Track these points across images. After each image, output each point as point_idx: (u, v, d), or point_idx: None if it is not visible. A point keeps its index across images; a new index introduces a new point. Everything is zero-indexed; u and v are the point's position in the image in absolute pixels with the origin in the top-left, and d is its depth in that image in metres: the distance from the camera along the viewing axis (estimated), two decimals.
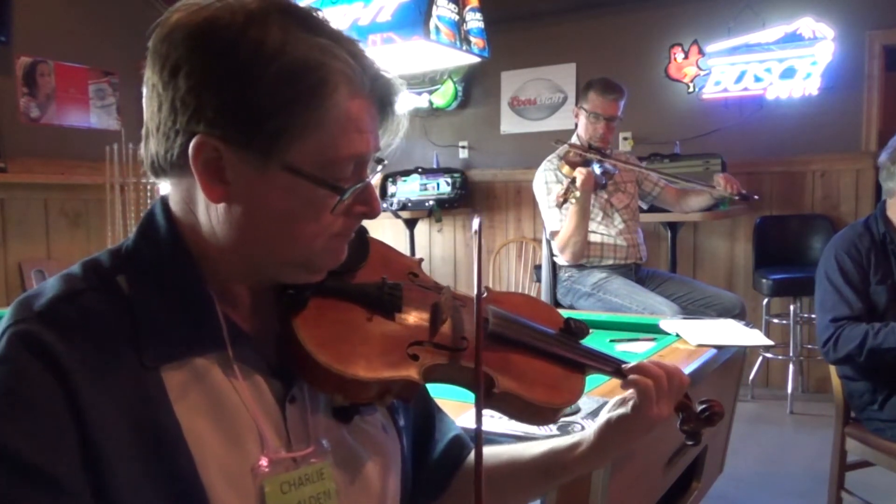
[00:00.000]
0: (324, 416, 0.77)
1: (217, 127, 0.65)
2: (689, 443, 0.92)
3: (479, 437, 0.69)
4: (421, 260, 0.91)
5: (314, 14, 0.69)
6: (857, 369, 2.16)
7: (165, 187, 0.75)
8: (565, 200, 2.81)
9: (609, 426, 0.87)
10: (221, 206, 0.69)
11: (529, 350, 0.85)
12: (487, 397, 0.77)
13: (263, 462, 0.70)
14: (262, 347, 0.74)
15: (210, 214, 0.70)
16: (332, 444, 0.76)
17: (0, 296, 3.92)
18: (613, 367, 0.90)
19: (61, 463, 0.60)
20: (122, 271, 0.70)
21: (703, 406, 0.90)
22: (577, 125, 3.16)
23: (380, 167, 0.76)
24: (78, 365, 0.62)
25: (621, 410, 0.87)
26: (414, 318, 0.79)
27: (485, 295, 0.92)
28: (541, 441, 0.93)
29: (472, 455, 0.95)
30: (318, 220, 0.70)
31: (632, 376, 0.86)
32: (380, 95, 0.72)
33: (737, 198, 2.93)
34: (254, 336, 0.74)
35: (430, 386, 0.90)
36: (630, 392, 0.87)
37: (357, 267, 0.80)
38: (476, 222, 0.81)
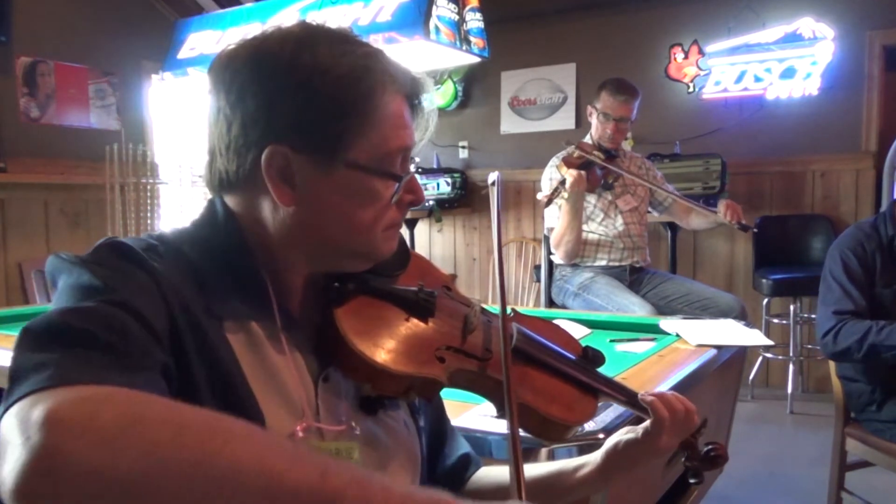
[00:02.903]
0: (353, 404, 0.82)
1: (286, 137, 0.74)
2: (692, 481, 0.96)
3: (515, 442, 0.73)
4: (455, 276, 0.95)
5: (348, 31, 0.79)
6: (856, 368, 2.15)
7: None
8: (550, 201, 2.81)
9: (616, 450, 0.91)
10: (291, 208, 0.76)
11: (549, 369, 0.91)
12: (503, 407, 0.81)
13: (301, 427, 0.75)
14: (304, 332, 0.80)
15: (277, 218, 0.77)
16: (360, 430, 0.81)
17: (0, 296, 3.92)
18: (627, 396, 0.94)
19: (164, 330, 0.65)
20: (185, 243, 0.77)
21: (709, 448, 0.95)
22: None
23: (413, 165, 0.81)
24: (164, 281, 0.68)
25: (630, 436, 0.91)
26: (444, 324, 0.85)
27: (511, 314, 0.98)
28: (547, 462, 0.97)
29: (476, 474, 1.00)
30: (375, 209, 0.78)
31: (651, 398, 0.91)
32: (413, 95, 0.81)
33: (736, 227, 2.86)
34: (298, 322, 0.80)
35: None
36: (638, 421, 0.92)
37: (398, 273, 0.87)
38: (494, 175, 0.86)
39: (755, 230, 3.00)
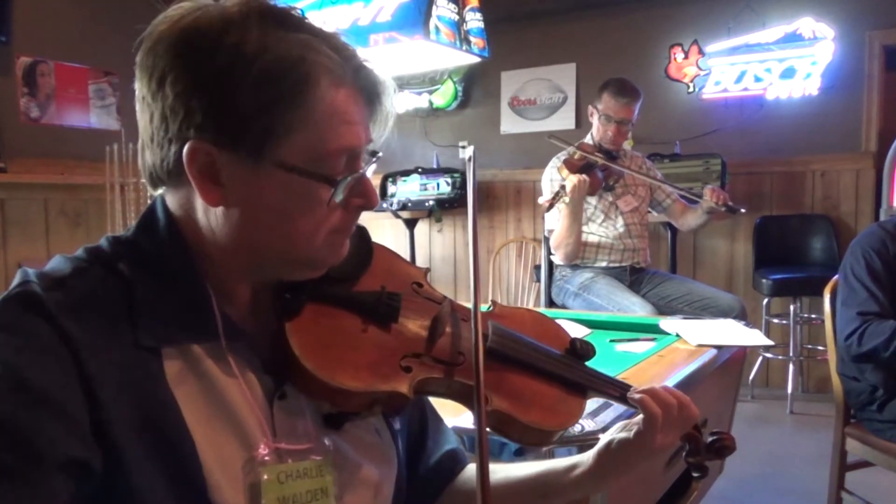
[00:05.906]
0: (315, 419, 0.76)
1: (207, 131, 0.66)
2: (695, 475, 0.90)
3: (483, 461, 0.67)
4: (427, 270, 0.90)
5: (293, 13, 0.70)
6: (859, 367, 2.12)
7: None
8: (551, 205, 2.81)
9: (609, 450, 0.85)
10: (220, 208, 0.70)
11: (529, 369, 0.84)
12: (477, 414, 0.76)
13: (264, 450, 0.70)
14: (256, 345, 0.74)
15: (209, 218, 0.71)
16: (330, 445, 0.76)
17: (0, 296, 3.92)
18: (618, 391, 0.87)
19: (71, 401, 0.61)
20: (123, 258, 0.71)
21: (714, 437, 0.88)
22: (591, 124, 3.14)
23: (375, 159, 0.76)
24: (80, 335, 0.63)
25: (623, 435, 0.84)
26: (411, 329, 0.78)
27: (491, 309, 0.91)
28: (536, 462, 0.91)
29: (464, 472, 0.93)
30: (315, 214, 0.71)
31: (639, 396, 0.84)
32: (365, 86, 0.73)
33: (723, 209, 2.89)
34: (249, 333, 0.74)
35: None
36: (635, 417, 0.85)
37: (359, 274, 0.80)
38: (470, 149, 0.78)
39: (743, 210, 3.02)
